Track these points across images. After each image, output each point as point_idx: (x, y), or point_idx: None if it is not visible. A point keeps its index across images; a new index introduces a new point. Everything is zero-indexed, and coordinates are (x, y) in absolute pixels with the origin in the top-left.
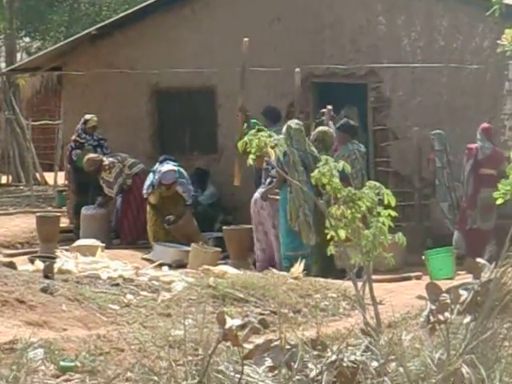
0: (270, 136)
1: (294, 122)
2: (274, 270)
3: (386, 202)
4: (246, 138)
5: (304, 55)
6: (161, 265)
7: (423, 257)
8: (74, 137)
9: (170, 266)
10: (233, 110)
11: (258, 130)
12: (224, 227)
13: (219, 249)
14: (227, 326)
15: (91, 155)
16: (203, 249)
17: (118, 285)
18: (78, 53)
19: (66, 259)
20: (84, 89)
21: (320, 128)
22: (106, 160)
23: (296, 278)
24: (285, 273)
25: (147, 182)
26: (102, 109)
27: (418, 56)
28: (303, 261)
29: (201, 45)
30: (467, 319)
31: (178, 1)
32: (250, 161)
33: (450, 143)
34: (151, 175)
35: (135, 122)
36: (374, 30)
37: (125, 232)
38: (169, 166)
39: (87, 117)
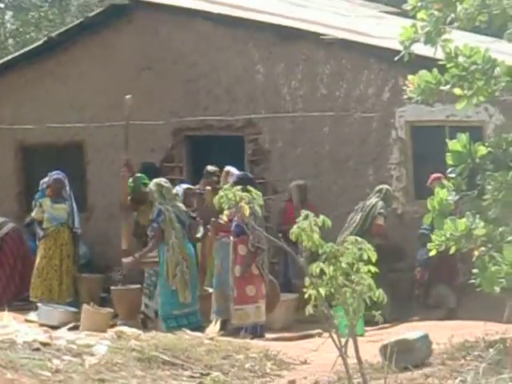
0: (247, 191)
1: (162, 180)
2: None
3: (366, 257)
4: (221, 193)
5: (177, 107)
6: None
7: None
8: None
9: (58, 328)
10: (103, 166)
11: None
12: (112, 287)
13: (111, 309)
14: None
15: None
16: (95, 310)
17: (38, 349)
18: None
19: None
20: None
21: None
22: None
23: (212, 339)
24: (199, 333)
25: None
26: None
27: (299, 105)
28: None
29: (68, 98)
30: None
31: (41, 54)
32: (224, 217)
33: (332, 195)
34: None
35: (1, 181)
36: (251, 79)
37: None
38: None
39: None
